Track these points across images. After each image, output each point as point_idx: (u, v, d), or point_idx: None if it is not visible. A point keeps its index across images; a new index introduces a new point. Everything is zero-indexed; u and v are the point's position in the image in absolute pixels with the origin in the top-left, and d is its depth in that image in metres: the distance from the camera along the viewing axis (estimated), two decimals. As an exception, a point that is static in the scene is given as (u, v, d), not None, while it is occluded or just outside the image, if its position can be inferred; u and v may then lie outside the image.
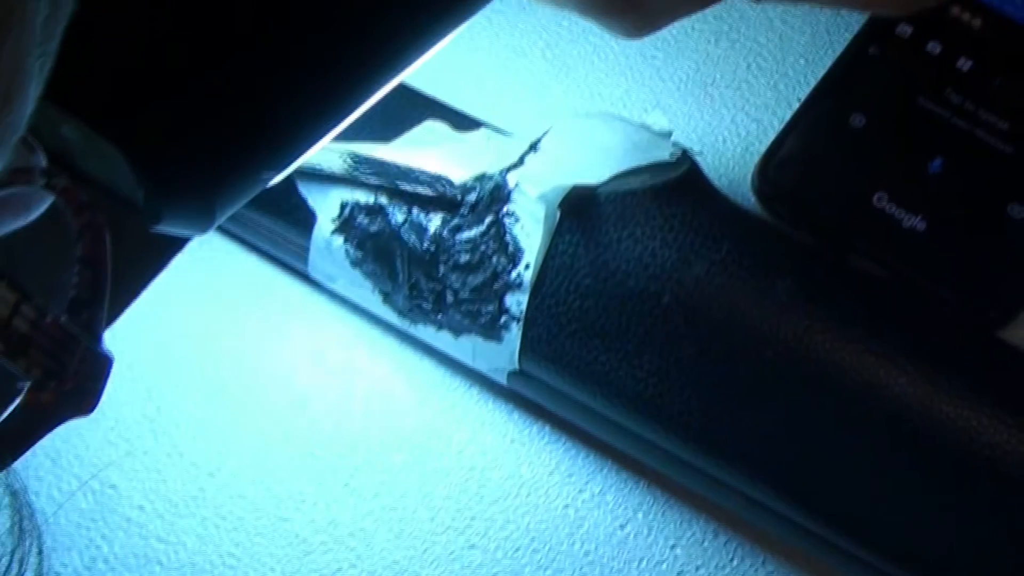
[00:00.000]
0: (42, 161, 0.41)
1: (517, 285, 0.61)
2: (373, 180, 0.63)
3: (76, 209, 0.40)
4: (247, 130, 0.47)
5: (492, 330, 0.62)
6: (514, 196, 0.61)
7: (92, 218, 0.40)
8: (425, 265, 0.62)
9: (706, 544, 0.64)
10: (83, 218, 0.40)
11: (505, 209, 0.61)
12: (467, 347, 0.63)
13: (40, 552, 0.43)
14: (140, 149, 0.44)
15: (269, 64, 0.46)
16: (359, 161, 0.63)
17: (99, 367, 0.39)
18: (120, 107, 0.44)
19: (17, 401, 0.37)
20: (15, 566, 0.43)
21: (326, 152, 0.62)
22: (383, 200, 0.62)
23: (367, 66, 0.50)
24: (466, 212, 0.61)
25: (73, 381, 0.38)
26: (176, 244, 0.68)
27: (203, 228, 0.49)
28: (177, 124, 0.45)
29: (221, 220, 0.49)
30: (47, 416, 0.38)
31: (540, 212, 0.60)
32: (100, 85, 0.42)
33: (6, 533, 0.44)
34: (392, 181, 0.62)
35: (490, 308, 0.61)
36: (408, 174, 0.63)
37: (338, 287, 0.66)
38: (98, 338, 0.39)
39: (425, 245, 0.62)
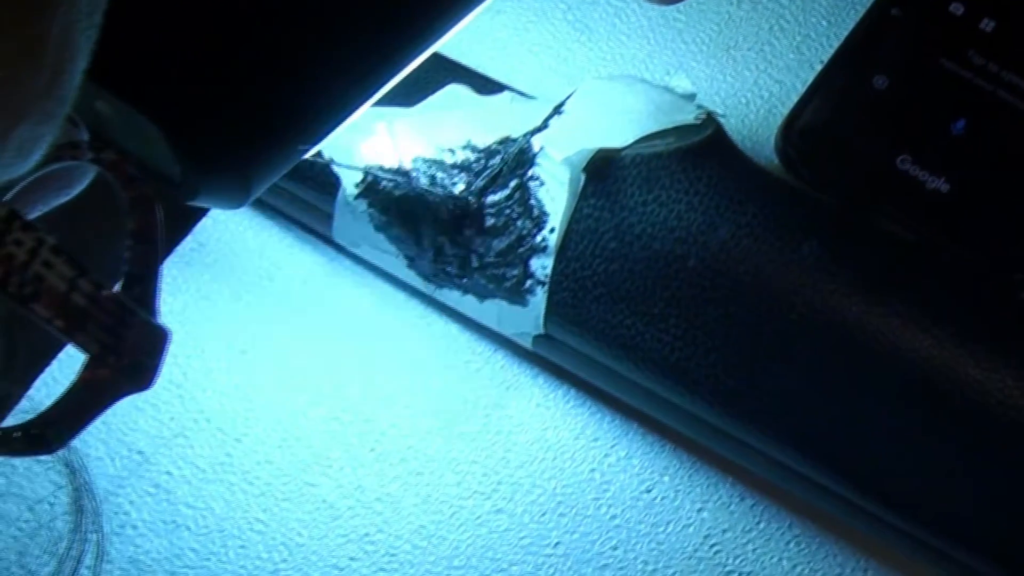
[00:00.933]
0: (86, 135, 0.41)
1: (542, 249, 0.60)
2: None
3: (125, 182, 0.39)
4: (284, 103, 0.47)
5: (517, 294, 0.62)
6: (539, 160, 0.61)
7: (142, 191, 0.39)
8: (450, 229, 0.62)
9: (732, 507, 0.64)
10: (133, 191, 0.39)
11: (530, 173, 0.61)
12: (492, 311, 0.63)
13: (100, 530, 0.43)
14: (177, 124, 0.44)
15: (304, 38, 0.46)
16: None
17: (156, 341, 0.39)
18: (157, 82, 0.44)
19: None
20: (76, 546, 0.43)
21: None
22: (408, 164, 0.62)
23: (401, 38, 0.50)
24: (491, 176, 0.61)
25: (130, 356, 0.37)
26: (199, 211, 0.69)
27: (239, 202, 0.49)
28: (214, 98, 0.45)
29: (256, 195, 0.49)
30: (105, 392, 0.37)
31: (565, 175, 0.60)
32: (136, 60, 0.42)
33: (65, 512, 0.44)
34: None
35: (515, 272, 0.61)
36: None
37: (362, 252, 0.66)
38: (153, 312, 0.39)
39: (450, 209, 0.61)
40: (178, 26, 0.43)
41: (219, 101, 0.45)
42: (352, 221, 0.64)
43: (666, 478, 0.64)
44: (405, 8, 0.49)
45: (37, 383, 0.62)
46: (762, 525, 0.63)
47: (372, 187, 0.63)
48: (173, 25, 0.43)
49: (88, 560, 0.44)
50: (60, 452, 0.41)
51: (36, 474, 0.60)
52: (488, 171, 0.61)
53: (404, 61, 0.51)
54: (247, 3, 0.44)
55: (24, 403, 0.40)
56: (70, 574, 0.44)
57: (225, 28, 0.45)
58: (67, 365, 0.64)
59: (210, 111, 0.45)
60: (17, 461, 0.61)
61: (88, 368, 0.37)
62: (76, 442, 0.39)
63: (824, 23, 0.73)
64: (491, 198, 0.61)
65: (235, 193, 0.48)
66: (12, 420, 0.38)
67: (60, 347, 0.63)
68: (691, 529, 0.63)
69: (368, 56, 0.49)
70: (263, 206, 0.70)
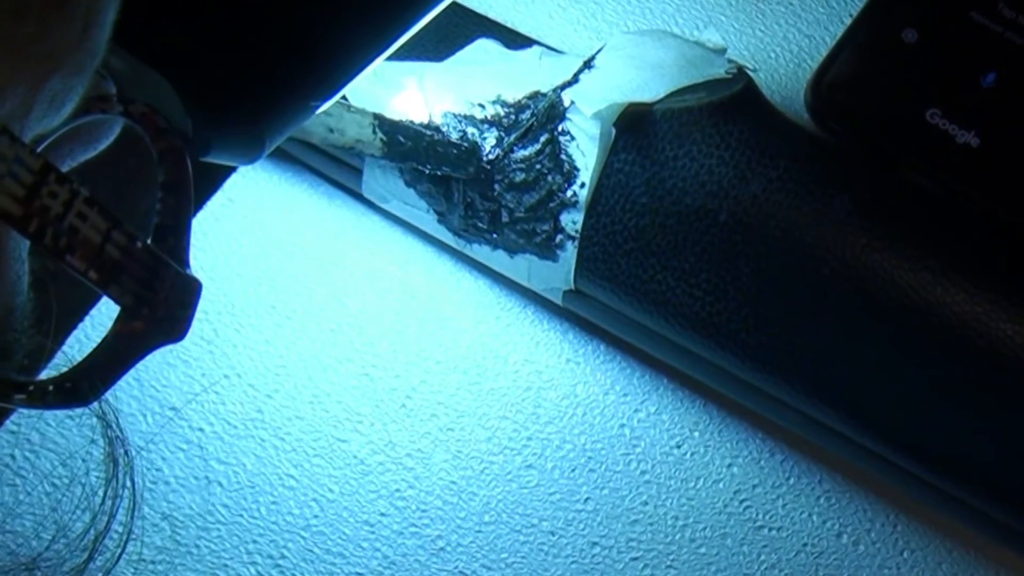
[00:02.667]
0: (113, 88, 0.41)
1: (572, 204, 0.60)
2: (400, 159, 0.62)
3: (155, 135, 0.39)
4: (295, 57, 0.47)
5: (547, 249, 0.62)
6: (569, 114, 0.60)
7: (172, 143, 0.39)
8: (480, 184, 0.61)
9: (763, 463, 0.64)
10: (163, 143, 0.39)
11: (560, 127, 0.61)
12: (522, 266, 0.63)
13: (132, 483, 0.43)
14: (188, 78, 0.44)
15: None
16: (388, 134, 0.62)
17: (188, 292, 0.39)
18: (166, 36, 0.44)
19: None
20: (108, 499, 0.43)
21: (352, 119, 0.61)
22: (438, 119, 0.62)
23: None
24: (521, 130, 0.61)
25: (164, 307, 0.37)
26: (228, 168, 0.68)
27: (252, 158, 0.49)
28: (224, 51, 0.45)
29: (270, 149, 0.49)
30: (139, 344, 0.37)
31: (595, 130, 0.60)
32: (147, 15, 0.42)
33: (99, 465, 0.44)
34: (422, 162, 0.62)
35: (545, 227, 0.61)
36: (435, 152, 0.62)
37: (392, 207, 0.66)
38: (185, 263, 0.39)
39: (480, 164, 0.61)
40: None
41: (229, 54, 0.45)
42: (382, 176, 0.64)
43: (696, 433, 0.64)
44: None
45: (71, 340, 0.63)
46: (792, 480, 0.63)
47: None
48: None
49: (121, 515, 0.44)
50: (93, 405, 0.40)
51: (69, 428, 0.61)
52: (518, 126, 0.61)
53: (418, 15, 0.51)
54: None
55: (59, 359, 0.40)
56: (103, 528, 0.44)
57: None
58: (98, 322, 0.64)
59: (220, 64, 0.45)
60: (50, 416, 0.61)
61: (121, 320, 0.37)
62: (109, 396, 0.39)
63: (853, -24, 0.73)
64: (521, 153, 0.61)
65: (248, 147, 0.48)
66: (49, 375, 0.38)
67: (93, 303, 0.63)
68: (721, 484, 0.63)
69: (381, 9, 0.49)
70: (293, 161, 0.69)
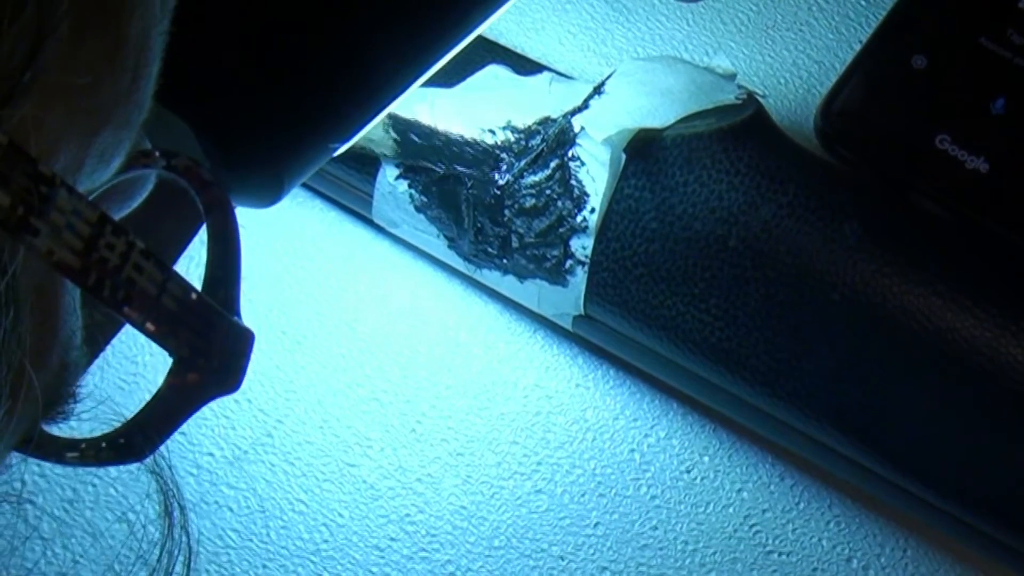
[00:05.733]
0: (148, 143, 0.41)
1: (582, 229, 0.60)
2: (421, 162, 0.62)
3: (201, 186, 0.39)
4: (314, 101, 0.47)
5: (557, 274, 0.62)
6: (579, 140, 0.61)
7: (217, 194, 0.39)
8: (490, 209, 0.62)
9: (772, 488, 0.64)
10: (209, 195, 0.39)
11: (570, 153, 0.61)
12: (532, 292, 0.63)
13: (188, 536, 0.43)
14: (208, 121, 0.44)
15: (335, 38, 0.46)
16: (407, 140, 0.62)
17: (242, 342, 0.38)
18: (187, 81, 0.44)
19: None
20: (165, 556, 0.42)
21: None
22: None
23: (432, 37, 0.50)
24: (531, 156, 0.61)
25: (219, 358, 0.37)
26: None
27: (270, 201, 0.49)
28: (244, 97, 0.45)
29: (288, 192, 0.49)
30: (194, 396, 0.37)
31: (605, 156, 0.60)
32: (167, 58, 0.42)
33: (155, 519, 0.43)
34: (446, 164, 0.62)
35: (555, 252, 0.61)
36: (459, 156, 0.62)
37: (401, 233, 0.66)
38: (236, 312, 0.38)
39: (491, 189, 0.61)
40: (208, 25, 0.43)
41: (249, 100, 0.45)
42: (392, 202, 0.64)
43: (706, 458, 0.64)
44: (436, 9, 0.49)
45: (118, 385, 0.63)
46: (802, 505, 0.63)
47: (412, 168, 0.63)
48: (203, 24, 0.43)
49: (178, 568, 0.44)
50: (147, 460, 0.40)
51: (125, 483, 0.61)
52: (529, 152, 0.61)
53: (435, 59, 0.51)
54: (277, 2, 0.44)
55: (108, 412, 0.40)
56: None
57: (255, 27, 0.45)
58: (109, 373, 0.64)
59: (240, 109, 0.45)
60: (108, 470, 0.61)
61: (174, 372, 0.36)
62: (163, 448, 0.39)
63: (863, 3, 0.73)
64: (532, 178, 0.61)
65: (267, 191, 0.48)
66: (99, 428, 0.38)
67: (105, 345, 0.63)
68: (731, 509, 0.63)
69: (400, 55, 0.49)
70: (302, 187, 0.69)
